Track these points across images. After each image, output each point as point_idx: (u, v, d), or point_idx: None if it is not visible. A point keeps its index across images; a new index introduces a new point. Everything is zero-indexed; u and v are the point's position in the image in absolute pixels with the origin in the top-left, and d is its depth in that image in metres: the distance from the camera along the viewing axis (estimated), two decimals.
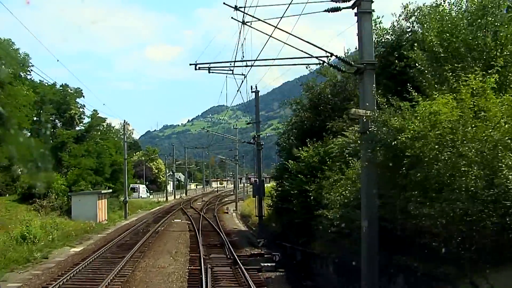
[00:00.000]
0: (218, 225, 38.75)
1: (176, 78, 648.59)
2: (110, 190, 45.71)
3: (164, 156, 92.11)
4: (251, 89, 36.38)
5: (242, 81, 37.38)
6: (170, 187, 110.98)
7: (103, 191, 42.55)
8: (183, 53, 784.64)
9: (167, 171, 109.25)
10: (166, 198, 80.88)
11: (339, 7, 13.12)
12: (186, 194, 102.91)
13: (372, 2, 12.88)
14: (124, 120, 48.30)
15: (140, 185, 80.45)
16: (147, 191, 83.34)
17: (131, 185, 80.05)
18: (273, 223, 31.85)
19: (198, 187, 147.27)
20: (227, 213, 55.67)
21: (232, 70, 22.82)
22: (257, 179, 37.95)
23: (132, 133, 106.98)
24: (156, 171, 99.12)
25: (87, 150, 47.51)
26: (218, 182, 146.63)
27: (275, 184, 31.45)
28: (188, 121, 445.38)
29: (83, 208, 39.33)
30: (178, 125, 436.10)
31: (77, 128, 52.04)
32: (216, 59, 40.85)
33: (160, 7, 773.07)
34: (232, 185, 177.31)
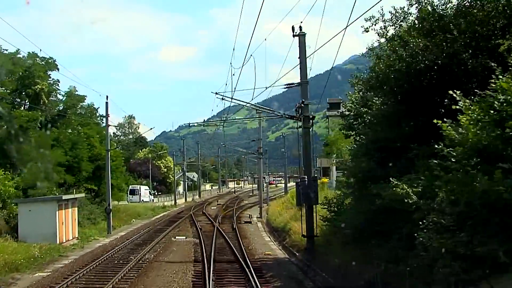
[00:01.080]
0: (241, 248, 24.28)
1: (191, 78, 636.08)
2: (82, 195, 31.25)
3: (173, 152, 77.10)
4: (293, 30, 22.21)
5: None
6: (181, 188, 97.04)
7: (67, 197, 27.95)
8: (198, 53, 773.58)
9: (178, 170, 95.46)
10: (175, 202, 66.38)
11: None
12: (199, 196, 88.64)
13: None
14: (107, 96, 33.29)
15: (141, 186, 66.27)
16: (150, 194, 68.71)
17: (130, 186, 66.09)
18: (336, 250, 17.40)
19: (213, 187, 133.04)
20: (250, 222, 41.11)
21: None
22: (306, 176, 23.21)
23: (139, 128, 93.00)
24: (165, 170, 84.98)
25: (57, 139, 33.38)
26: (235, 182, 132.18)
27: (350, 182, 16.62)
28: (204, 121, 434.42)
29: (35, 223, 25.19)
30: (194, 125, 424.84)
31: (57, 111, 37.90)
32: None
33: (174, 7, 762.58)
34: (251, 185, 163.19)
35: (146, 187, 68.55)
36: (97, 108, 41.96)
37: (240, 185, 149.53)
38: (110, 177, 32.61)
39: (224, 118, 47.93)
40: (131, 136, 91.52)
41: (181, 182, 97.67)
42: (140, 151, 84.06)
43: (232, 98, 25.34)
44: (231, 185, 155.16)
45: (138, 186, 65.28)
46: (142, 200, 62.95)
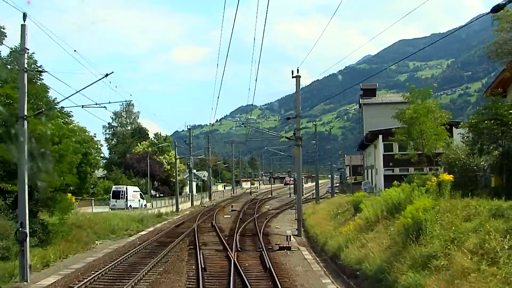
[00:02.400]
0: None
1: (203, 78, 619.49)
2: None
3: (175, 143, 59.47)
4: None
5: None
6: (189, 189, 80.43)
7: None
8: (211, 53, 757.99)
9: (186, 168, 78.70)
10: (177, 207, 49.15)
11: None
12: (210, 198, 71.92)
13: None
14: (24, 13, 16.40)
15: (129, 187, 49.11)
16: (142, 197, 51.26)
17: (113, 187, 49.36)
18: None
19: (226, 188, 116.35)
20: (289, 248, 23.94)
21: None
22: None
23: (138, 117, 76.42)
24: (169, 167, 68.38)
25: None
26: (250, 182, 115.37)
27: None
28: (217, 121, 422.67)
29: None
30: (206, 125, 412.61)
31: None
32: None
33: (187, 8, 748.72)
34: (267, 185, 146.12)
35: (136, 189, 51.18)
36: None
37: (256, 185, 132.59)
38: (24, 169, 15.92)
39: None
40: (129, 127, 75.16)
41: (190, 182, 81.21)
42: (139, 144, 67.55)
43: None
44: (245, 185, 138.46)
45: (125, 187, 48.27)
46: (130, 206, 46.03)
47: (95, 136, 42.50)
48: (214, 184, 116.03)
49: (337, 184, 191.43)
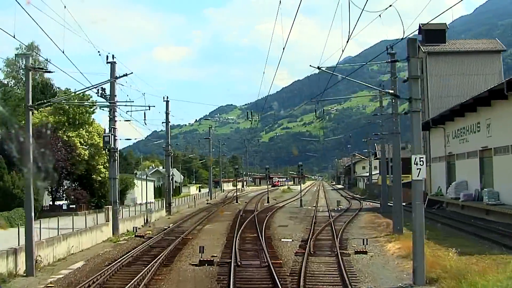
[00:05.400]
0: None
1: (184, 78, 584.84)
2: None
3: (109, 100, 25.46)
4: None
5: None
6: (140, 196, 46.98)
7: None
8: (192, 54, 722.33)
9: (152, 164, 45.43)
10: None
11: None
12: (168, 210, 38.35)
13: None
14: None
15: None
16: None
17: None
18: None
19: (201, 190, 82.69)
20: None
21: None
22: None
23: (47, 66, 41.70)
24: (87, 154, 34.41)
25: None
26: (236, 184, 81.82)
27: None
28: (196, 121, 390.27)
29: None
30: (185, 125, 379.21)
31: None
32: None
33: (167, 7, 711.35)
34: (255, 187, 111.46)
35: None
36: None
37: (240, 187, 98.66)
38: None
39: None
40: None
41: (139, 185, 47.48)
42: (37, 111, 33.41)
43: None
44: (227, 186, 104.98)
45: None
46: None
47: None
48: (185, 185, 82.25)
49: (333, 184, 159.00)
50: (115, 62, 24.50)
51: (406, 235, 22.05)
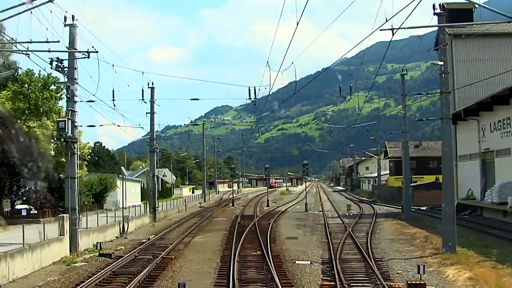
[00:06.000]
0: None
1: (179, 79, 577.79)
2: None
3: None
4: None
5: None
6: (120, 198, 40.85)
7: None
8: (188, 54, 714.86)
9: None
10: None
11: None
12: (154, 217, 32.14)
13: None
14: None
15: None
16: None
17: None
18: None
19: (195, 192, 76.42)
20: None
21: None
22: None
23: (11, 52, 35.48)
24: (54, 148, 28.38)
25: None
26: (232, 185, 75.48)
27: None
28: (191, 121, 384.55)
29: None
30: (181, 125, 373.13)
31: None
32: None
33: (163, 8, 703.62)
34: (252, 188, 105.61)
35: None
36: None
37: (236, 189, 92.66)
38: None
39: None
40: None
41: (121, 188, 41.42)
42: None
43: None
44: (222, 188, 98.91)
45: None
46: None
47: None
48: (177, 186, 75.97)
49: (331, 185, 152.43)
50: (74, 25, 18.29)
51: (463, 255, 16.08)
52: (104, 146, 74.66)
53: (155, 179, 32.71)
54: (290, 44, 15.34)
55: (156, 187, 33.33)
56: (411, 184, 44.78)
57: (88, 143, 35.29)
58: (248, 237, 22.25)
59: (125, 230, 24.59)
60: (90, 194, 35.01)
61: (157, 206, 32.99)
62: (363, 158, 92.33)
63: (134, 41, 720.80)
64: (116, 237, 23.79)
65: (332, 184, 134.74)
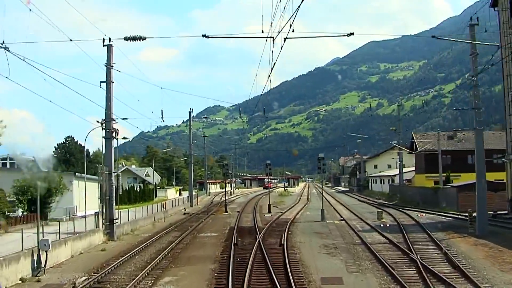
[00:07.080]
0: None
1: (171, 80, 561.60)
2: None
3: None
4: None
5: None
6: (83, 204, 30.05)
7: None
8: (179, 55, 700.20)
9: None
10: None
11: None
12: (110, 233, 21.76)
13: None
14: None
15: None
16: None
17: None
18: None
19: (182, 194, 65.61)
20: None
21: None
22: None
23: None
24: None
25: None
26: (225, 186, 64.79)
27: None
28: (183, 122, 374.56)
29: None
30: (172, 126, 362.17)
31: None
32: None
33: (155, 9, 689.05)
34: (244, 189, 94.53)
35: None
36: None
37: (227, 190, 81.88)
38: None
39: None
40: None
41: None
42: None
43: None
44: (213, 189, 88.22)
45: None
46: None
47: None
48: (161, 187, 65.17)
49: (328, 186, 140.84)
50: None
51: None
52: (77, 141, 63.77)
53: (113, 178, 22.06)
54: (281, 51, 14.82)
55: (115, 189, 22.71)
56: (452, 184, 34.58)
57: (2, 121, 24.58)
58: (254, 279, 11.89)
59: (41, 265, 14.02)
60: (24, 200, 24.39)
61: (116, 217, 22.37)
62: (368, 156, 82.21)
63: (125, 42, 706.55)
64: (21, 279, 13.23)
65: (330, 185, 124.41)
